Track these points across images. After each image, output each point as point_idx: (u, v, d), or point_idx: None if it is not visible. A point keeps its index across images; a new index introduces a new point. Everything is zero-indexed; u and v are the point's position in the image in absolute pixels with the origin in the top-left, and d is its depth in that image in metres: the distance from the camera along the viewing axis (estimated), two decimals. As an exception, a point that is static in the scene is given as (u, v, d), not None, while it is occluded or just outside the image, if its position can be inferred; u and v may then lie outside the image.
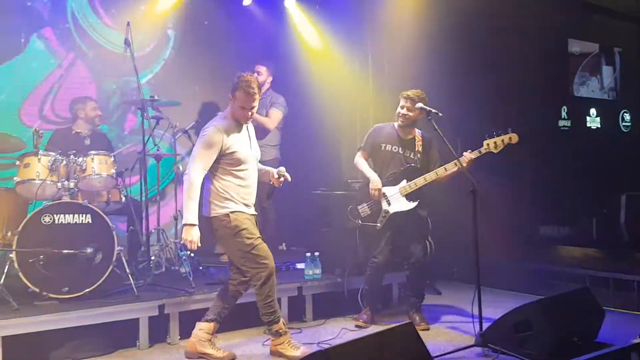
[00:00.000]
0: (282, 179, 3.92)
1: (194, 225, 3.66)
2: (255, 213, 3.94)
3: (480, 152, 4.27)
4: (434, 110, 4.14)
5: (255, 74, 5.79)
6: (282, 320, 3.88)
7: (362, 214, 4.54)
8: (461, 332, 4.40)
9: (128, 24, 4.88)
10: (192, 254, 4.94)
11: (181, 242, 3.82)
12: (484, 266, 3.94)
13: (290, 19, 6.79)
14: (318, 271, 4.87)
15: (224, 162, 3.76)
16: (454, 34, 6.20)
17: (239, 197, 3.80)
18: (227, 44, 6.55)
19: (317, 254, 4.91)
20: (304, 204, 5.95)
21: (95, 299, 4.09)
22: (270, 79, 5.93)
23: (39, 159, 4.34)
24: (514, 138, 4.23)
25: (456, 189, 4.44)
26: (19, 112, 5.70)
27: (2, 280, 3.96)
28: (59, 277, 4.03)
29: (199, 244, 3.70)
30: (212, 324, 3.88)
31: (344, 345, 2.89)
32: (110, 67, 6.01)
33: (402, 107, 4.49)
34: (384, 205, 4.47)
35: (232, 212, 3.75)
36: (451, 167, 4.33)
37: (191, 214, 3.65)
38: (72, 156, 4.45)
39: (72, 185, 4.40)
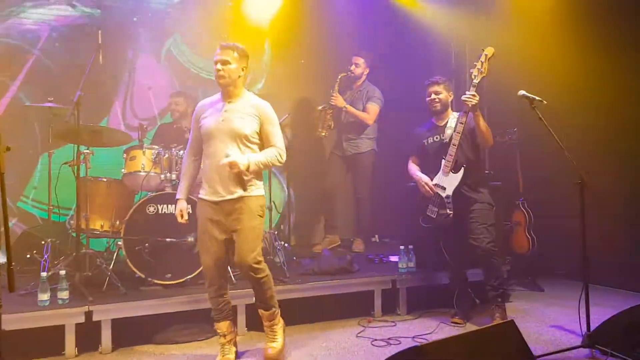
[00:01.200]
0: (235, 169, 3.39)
1: (179, 199, 3.66)
2: (226, 198, 3.47)
3: (474, 85, 4.09)
4: (537, 98, 3.87)
5: (353, 66, 5.83)
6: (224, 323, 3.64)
7: (433, 215, 4.34)
8: (566, 332, 4.14)
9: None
10: (286, 244, 5.01)
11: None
12: (592, 262, 3.68)
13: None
14: (412, 264, 4.77)
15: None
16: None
17: (205, 181, 3.55)
18: (321, 39, 6.55)
19: (411, 247, 4.81)
20: (399, 196, 5.86)
21: (196, 285, 4.26)
22: (367, 70, 5.89)
23: (143, 152, 4.58)
24: (489, 51, 4.11)
25: (563, 181, 4.17)
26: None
27: (112, 266, 4.23)
28: (163, 264, 4.23)
29: (186, 217, 3.67)
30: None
31: (442, 342, 2.80)
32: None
33: (430, 94, 4.40)
34: (442, 193, 4.27)
35: (199, 199, 3.60)
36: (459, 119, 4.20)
37: (179, 190, 3.69)
38: (173, 149, 4.65)
39: (174, 177, 4.59)
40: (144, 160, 4.58)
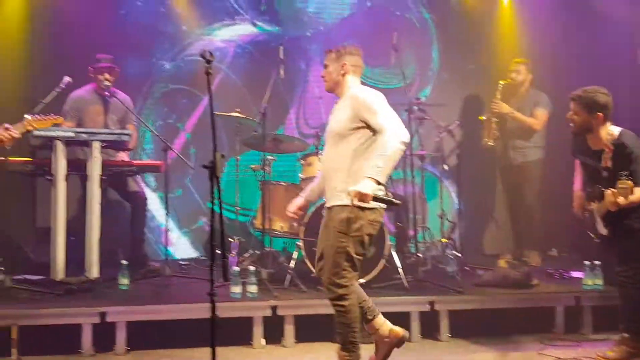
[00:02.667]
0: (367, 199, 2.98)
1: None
2: (327, 205, 3.27)
3: None
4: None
5: (514, 73, 5.63)
6: None
7: (601, 232, 3.76)
8: None
9: (396, 29, 5.19)
10: (458, 254, 4.94)
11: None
12: None
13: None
14: (599, 281, 4.42)
15: None
16: None
17: None
18: (488, 44, 6.39)
19: (597, 262, 4.46)
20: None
21: (369, 289, 4.34)
22: (529, 76, 5.69)
23: (319, 158, 4.80)
24: None
25: None
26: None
27: (293, 265, 4.48)
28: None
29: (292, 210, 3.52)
30: None
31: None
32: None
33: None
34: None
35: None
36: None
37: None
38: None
39: (349, 182, 4.75)
40: (319, 166, 4.79)
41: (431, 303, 4.19)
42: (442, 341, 4.17)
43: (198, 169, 4.68)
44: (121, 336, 3.80)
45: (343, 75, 3.28)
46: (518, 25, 6.22)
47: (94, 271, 4.40)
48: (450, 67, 6.50)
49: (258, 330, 3.95)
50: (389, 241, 4.47)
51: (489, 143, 5.59)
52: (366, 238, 3.16)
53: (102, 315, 3.77)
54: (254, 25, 6.38)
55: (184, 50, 6.16)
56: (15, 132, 3.23)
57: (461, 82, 6.44)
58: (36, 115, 3.47)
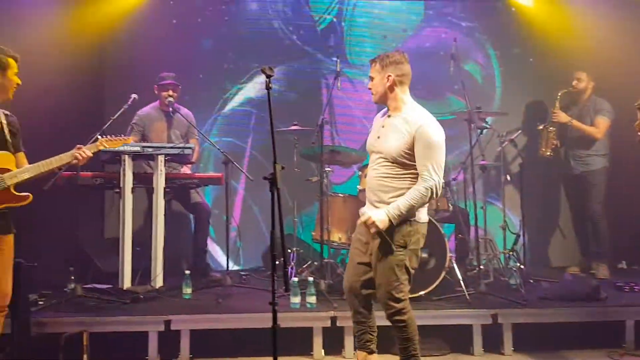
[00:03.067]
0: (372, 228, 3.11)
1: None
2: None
3: None
4: None
5: (575, 81, 5.47)
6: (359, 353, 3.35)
7: None
8: None
9: (455, 39, 5.15)
10: (522, 266, 4.80)
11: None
12: None
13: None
14: (676, 295, 4.20)
15: None
16: None
17: None
18: (550, 50, 6.23)
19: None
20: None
21: (430, 301, 4.30)
22: (591, 84, 5.53)
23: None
24: None
25: None
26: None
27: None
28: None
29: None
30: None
31: None
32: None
33: None
34: None
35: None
36: None
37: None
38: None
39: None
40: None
41: (494, 316, 4.09)
42: (506, 355, 4.07)
43: (258, 181, 4.76)
44: (185, 344, 3.90)
45: (389, 87, 3.20)
46: (582, 31, 6.04)
47: (158, 280, 4.54)
48: (511, 75, 6.37)
49: (318, 341, 3.97)
50: (450, 253, 4.41)
51: (547, 153, 5.49)
52: (419, 250, 3.20)
53: (167, 323, 3.88)
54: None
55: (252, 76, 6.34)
56: (88, 152, 3.40)
57: (523, 90, 6.30)
58: (107, 136, 3.65)
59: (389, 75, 3.18)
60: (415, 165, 3.08)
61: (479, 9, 6.43)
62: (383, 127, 3.25)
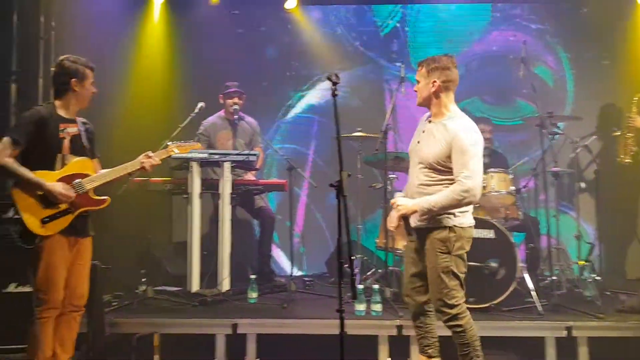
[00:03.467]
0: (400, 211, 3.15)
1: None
2: (416, 224, 3.18)
3: None
4: None
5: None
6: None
7: None
8: None
9: (524, 42, 5.00)
10: (597, 277, 4.58)
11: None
12: None
13: None
14: None
15: None
16: None
17: None
18: (626, 55, 5.95)
19: None
20: None
21: (500, 312, 4.16)
22: None
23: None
24: None
25: None
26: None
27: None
28: (466, 288, 4.17)
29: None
30: None
31: None
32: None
33: None
34: None
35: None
36: None
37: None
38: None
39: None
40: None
41: (568, 328, 3.91)
42: (581, 370, 3.88)
43: (320, 188, 4.77)
44: (252, 347, 3.93)
45: (434, 92, 3.16)
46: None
47: (225, 284, 4.61)
48: (584, 79, 6.13)
49: (384, 349, 3.91)
50: (520, 263, 4.26)
51: (625, 160, 5.20)
52: (465, 255, 3.16)
53: (234, 326, 3.93)
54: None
55: (314, 83, 6.38)
56: (157, 159, 3.49)
57: (597, 94, 6.03)
58: (177, 142, 3.74)
59: (434, 81, 3.15)
60: (452, 172, 3.05)
61: (548, 10, 6.24)
62: (424, 132, 3.24)
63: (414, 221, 3.17)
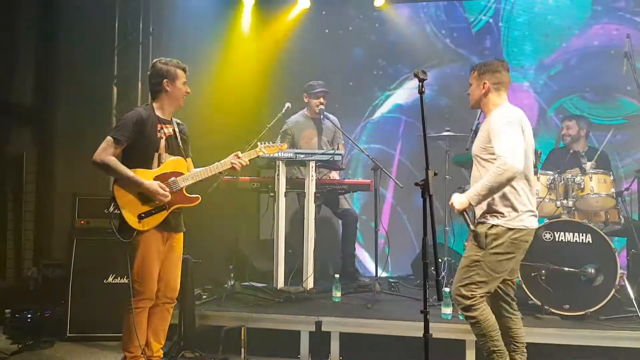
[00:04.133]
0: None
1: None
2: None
3: None
4: None
5: None
6: None
7: None
8: None
9: (628, 35, 4.69)
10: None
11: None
12: None
13: None
14: None
15: None
16: None
17: None
18: None
19: None
20: None
21: (597, 321, 3.94)
22: None
23: (537, 178, 4.49)
24: None
25: None
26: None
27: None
28: (560, 294, 4.04)
29: None
30: None
31: None
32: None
33: None
34: None
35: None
36: None
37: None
38: (570, 175, 4.45)
39: (570, 204, 4.40)
40: (537, 186, 4.49)
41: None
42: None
43: (406, 189, 4.70)
44: (335, 345, 3.95)
45: (485, 94, 3.31)
46: None
47: (309, 282, 4.66)
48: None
49: (470, 354, 3.79)
50: (620, 269, 4.00)
51: None
52: (506, 256, 3.14)
53: (319, 324, 3.95)
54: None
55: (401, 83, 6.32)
56: (246, 160, 3.59)
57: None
58: (266, 143, 3.83)
59: (485, 83, 3.31)
60: (488, 163, 3.18)
61: (655, 2, 5.81)
62: (479, 131, 3.43)
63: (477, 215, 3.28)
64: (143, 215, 3.32)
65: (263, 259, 5.24)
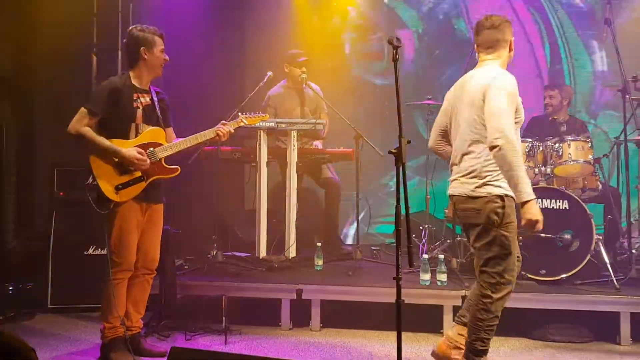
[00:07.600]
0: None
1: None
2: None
3: None
4: None
5: None
6: None
7: None
8: None
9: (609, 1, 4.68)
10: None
11: (524, 223, 2.90)
12: None
13: None
14: None
15: None
16: None
17: None
18: None
19: None
20: None
21: (572, 285, 4.02)
22: None
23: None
24: None
25: None
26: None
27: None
28: (537, 260, 4.09)
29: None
30: None
31: None
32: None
33: None
34: None
35: (506, 195, 2.95)
36: None
37: (529, 186, 2.85)
38: (548, 142, 4.48)
39: (548, 170, 4.43)
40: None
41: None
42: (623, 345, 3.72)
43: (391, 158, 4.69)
44: (316, 313, 4.01)
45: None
46: None
47: (292, 251, 4.70)
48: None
49: (448, 319, 3.86)
50: (596, 235, 4.06)
51: None
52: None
53: (299, 292, 4.01)
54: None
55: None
56: (231, 128, 3.57)
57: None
58: (247, 113, 3.81)
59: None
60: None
61: None
62: None
63: None
64: (120, 186, 3.30)
65: (248, 228, 5.25)
